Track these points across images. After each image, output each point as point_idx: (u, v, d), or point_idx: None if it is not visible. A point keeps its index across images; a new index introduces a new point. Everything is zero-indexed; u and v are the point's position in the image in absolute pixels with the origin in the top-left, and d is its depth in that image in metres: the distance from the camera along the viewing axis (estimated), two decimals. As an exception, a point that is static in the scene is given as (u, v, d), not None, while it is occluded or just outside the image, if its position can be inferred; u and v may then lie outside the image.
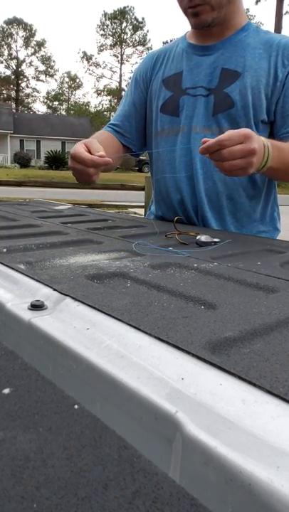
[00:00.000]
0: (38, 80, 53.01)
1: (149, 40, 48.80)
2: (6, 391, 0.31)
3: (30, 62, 51.72)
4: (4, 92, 49.35)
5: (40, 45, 50.97)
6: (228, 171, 0.91)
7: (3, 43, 48.66)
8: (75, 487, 0.22)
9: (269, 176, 1.17)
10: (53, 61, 58.85)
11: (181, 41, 1.33)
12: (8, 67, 49.67)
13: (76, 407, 0.29)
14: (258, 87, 1.16)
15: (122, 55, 49.27)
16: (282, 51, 1.16)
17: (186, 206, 1.26)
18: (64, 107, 55.57)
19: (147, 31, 59.44)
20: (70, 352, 0.39)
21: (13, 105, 46.22)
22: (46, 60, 52.31)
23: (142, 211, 6.53)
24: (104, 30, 48.97)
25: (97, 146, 1.04)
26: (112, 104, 48.48)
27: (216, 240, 0.92)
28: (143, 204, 6.11)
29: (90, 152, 1.02)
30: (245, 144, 0.88)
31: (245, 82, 1.16)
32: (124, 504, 0.21)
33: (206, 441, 0.27)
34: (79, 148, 1.03)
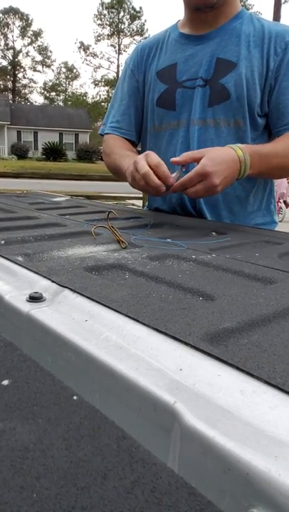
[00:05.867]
0: (34, 70, 52.49)
1: (147, 29, 48.22)
2: (5, 382, 0.31)
3: (26, 53, 51.21)
4: (1, 82, 48.94)
5: (37, 35, 50.37)
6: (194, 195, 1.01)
7: (-1, 32, 48.16)
8: (74, 477, 0.22)
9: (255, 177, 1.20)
10: (50, 51, 58.33)
11: (172, 30, 1.30)
12: (4, 57, 49.21)
13: (75, 398, 0.30)
14: (253, 78, 1.14)
15: (119, 45, 48.79)
16: (274, 39, 1.15)
17: (183, 199, 1.26)
18: (61, 97, 55.14)
19: (145, 21, 58.78)
20: (69, 343, 0.39)
21: (10, 96, 45.86)
22: (43, 50, 51.77)
23: (140, 203, 6.53)
24: (101, 19, 48.43)
25: (165, 169, 1.00)
26: (110, 94, 48.10)
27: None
28: (141, 195, 6.11)
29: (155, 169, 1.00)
30: (206, 181, 0.96)
31: (240, 73, 1.14)
32: (123, 494, 0.21)
33: (205, 431, 0.27)
34: (147, 169, 0.99)
